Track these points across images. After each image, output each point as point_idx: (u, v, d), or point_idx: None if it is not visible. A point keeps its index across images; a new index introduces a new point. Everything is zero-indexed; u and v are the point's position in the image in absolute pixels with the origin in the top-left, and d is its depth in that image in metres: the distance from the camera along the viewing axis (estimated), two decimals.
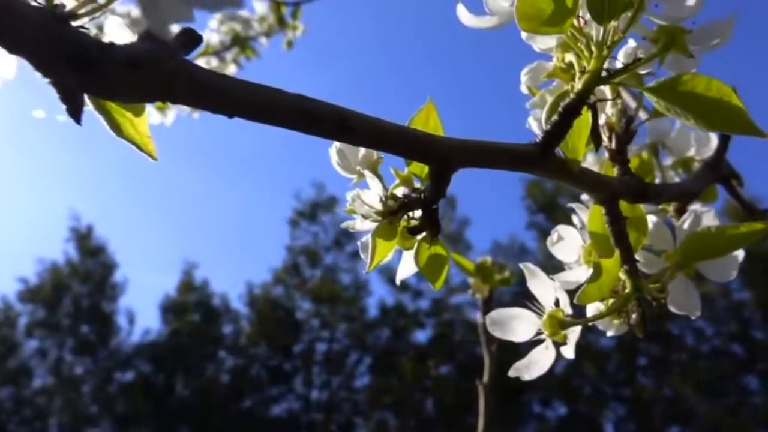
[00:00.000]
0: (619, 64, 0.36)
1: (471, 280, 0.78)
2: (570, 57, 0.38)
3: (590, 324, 0.40)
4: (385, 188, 0.36)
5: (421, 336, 11.27)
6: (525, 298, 0.40)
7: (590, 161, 0.52)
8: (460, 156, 0.33)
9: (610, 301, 0.39)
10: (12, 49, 0.23)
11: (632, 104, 0.45)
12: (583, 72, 0.35)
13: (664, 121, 0.51)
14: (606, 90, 0.40)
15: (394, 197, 0.36)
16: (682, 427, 10.09)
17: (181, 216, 16.73)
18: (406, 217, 0.36)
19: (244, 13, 1.65)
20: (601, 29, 0.34)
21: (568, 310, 0.39)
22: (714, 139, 0.52)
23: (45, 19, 0.23)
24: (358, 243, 0.38)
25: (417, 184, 0.37)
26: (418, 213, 0.36)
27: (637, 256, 0.39)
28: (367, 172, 0.36)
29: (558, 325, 0.38)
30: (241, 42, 1.61)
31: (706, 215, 0.42)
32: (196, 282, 11.75)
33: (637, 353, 10.22)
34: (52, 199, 15.68)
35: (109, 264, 11.54)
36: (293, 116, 0.28)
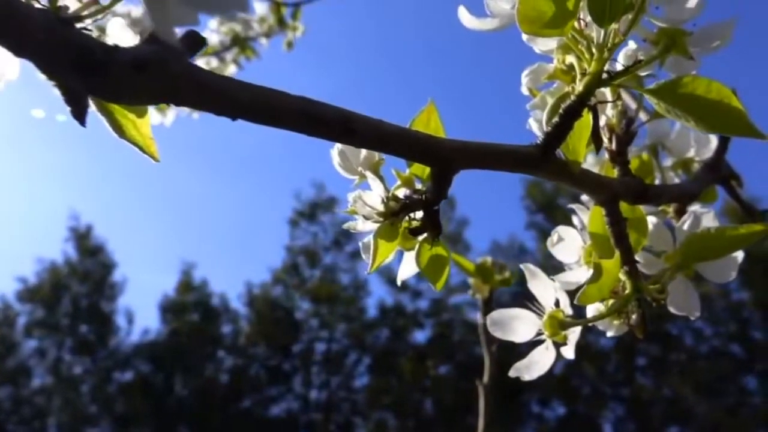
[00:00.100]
0: (619, 66, 0.36)
1: (471, 281, 0.78)
2: (571, 59, 0.38)
3: (590, 324, 0.40)
4: (387, 189, 0.37)
5: (420, 336, 11.29)
6: (525, 299, 0.40)
7: (590, 162, 0.52)
8: (462, 157, 0.33)
9: (610, 301, 0.39)
10: (17, 52, 0.23)
11: (632, 105, 0.45)
12: (583, 74, 0.35)
13: (664, 122, 0.51)
14: (606, 92, 0.40)
15: (395, 198, 0.36)
16: (681, 427, 10.10)
17: (181, 216, 16.73)
18: (407, 218, 0.36)
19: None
20: (602, 31, 0.34)
21: (569, 311, 0.39)
22: (714, 141, 0.53)
23: (50, 21, 0.23)
24: (360, 244, 0.39)
25: (418, 185, 0.38)
26: (419, 214, 0.36)
27: (637, 257, 0.39)
28: (368, 174, 0.36)
29: (558, 325, 0.38)
30: (241, 42, 1.61)
31: (705, 216, 0.42)
32: (195, 282, 11.76)
33: (636, 353, 10.23)
34: (52, 199, 15.68)
35: (108, 264, 11.55)
36: (297, 119, 0.28)
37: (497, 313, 0.41)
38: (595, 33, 0.34)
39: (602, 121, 0.42)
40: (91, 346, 11.13)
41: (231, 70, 1.62)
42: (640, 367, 10.42)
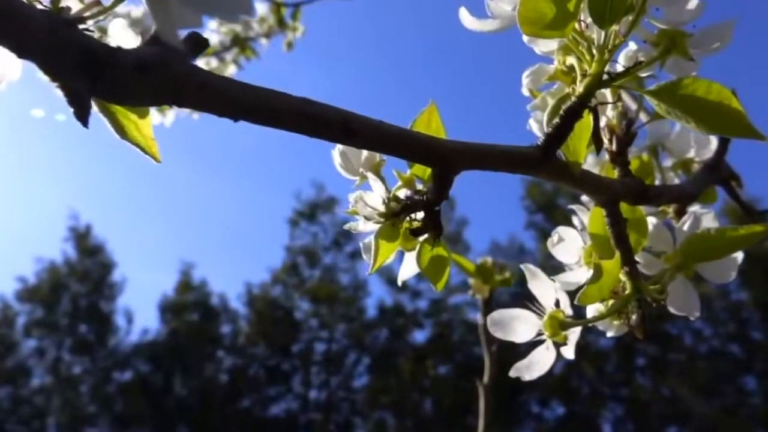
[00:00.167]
0: (620, 68, 0.36)
1: (471, 281, 0.78)
2: (571, 60, 0.38)
3: (590, 325, 0.40)
4: (388, 190, 0.37)
5: (420, 336, 11.29)
6: (524, 299, 0.40)
7: (590, 163, 0.52)
8: (463, 158, 0.33)
9: (611, 302, 0.39)
10: (21, 54, 0.23)
11: (633, 106, 0.45)
12: (584, 75, 0.35)
13: (664, 123, 0.51)
14: (607, 93, 0.40)
15: (396, 199, 0.36)
16: (679, 427, 10.10)
17: (180, 216, 16.73)
18: (408, 218, 0.36)
19: None
20: (603, 33, 0.34)
21: (569, 311, 0.39)
22: (713, 141, 0.53)
23: (53, 23, 0.24)
24: (361, 244, 0.39)
25: (419, 186, 0.38)
26: (420, 215, 0.36)
27: (637, 258, 0.39)
28: (369, 175, 0.37)
29: (558, 325, 0.39)
30: (240, 43, 1.61)
31: (705, 217, 0.42)
32: (195, 281, 11.76)
33: (636, 354, 10.23)
34: (51, 199, 15.68)
35: (107, 263, 11.54)
36: (298, 120, 0.28)
37: (497, 314, 0.41)
38: (596, 34, 0.35)
39: (602, 122, 0.42)
40: (90, 346, 11.13)
41: (231, 71, 1.62)
42: (639, 368, 10.42)
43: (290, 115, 0.28)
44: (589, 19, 0.34)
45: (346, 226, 0.38)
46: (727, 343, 10.13)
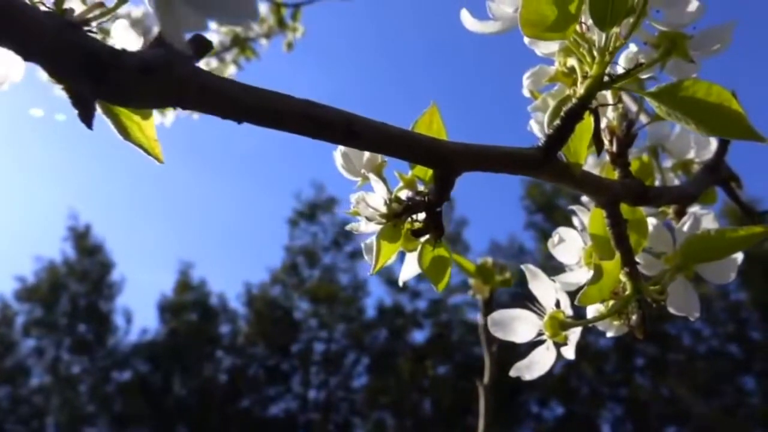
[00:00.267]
0: (620, 69, 0.36)
1: (471, 281, 0.78)
2: (572, 61, 0.38)
3: (590, 325, 0.40)
4: (390, 191, 0.37)
5: (419, 336, 11.29)
6: (524, 299, 0.40)
7: (590, 164, 0.52)
8: (464, 160, 0.34)
9: (611, 302, 0.40)
10: (26, 56, 0.24)
11: (633, 108, 0.45)
12: (585, 77, 0.35)
13: (665, 124, 0.52)
14: (608, 94, 0.40)
15: (398, 200, 0.36)
16: (678, 427, 10.11)
17: (180, 215, 16.73)
18: (409, 219, 0.37)
19: None
20: (604, 35, 0.34)
21: (569, 312, 0.39)
22: (713, 142, 0.53)
23: (58, 25, 0.24)
24: (362, 245, 0.39)
25: (420, 187, 0.38)
26: (421, 215, 0.36)
27: (637, 258, 0.40)
28: (371, 176, 0.37)
29: (559, 326, 0.39)
30: (241, 43, 1.61)
31: (705, 218, 0.42)
32: (194, 281, 11.76)
33: (635, 354, 10.24)
34: (50, 198, 15.68)
35: (106, 263, 11.54)
36: (301, 122, 0.28)
37: (498, 314, 0.41)
38: (597, 36, 0.35)
39: (603, 124, 0.43)
40: (89, 346, 11.13)
41: (231, 71, 1.62)
42: (639, 368, 10.43)
43: (293, 117, 0.28)
44: (590, 21, 0.34)
45: (348, 227, 0.38)
46: (726, 343, 10.13)
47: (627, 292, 0.39)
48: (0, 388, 10.62)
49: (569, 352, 0.39)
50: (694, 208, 0.49)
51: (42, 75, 0.26)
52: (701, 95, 0.33)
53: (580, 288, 0.39)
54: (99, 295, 11.39)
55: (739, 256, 0.41)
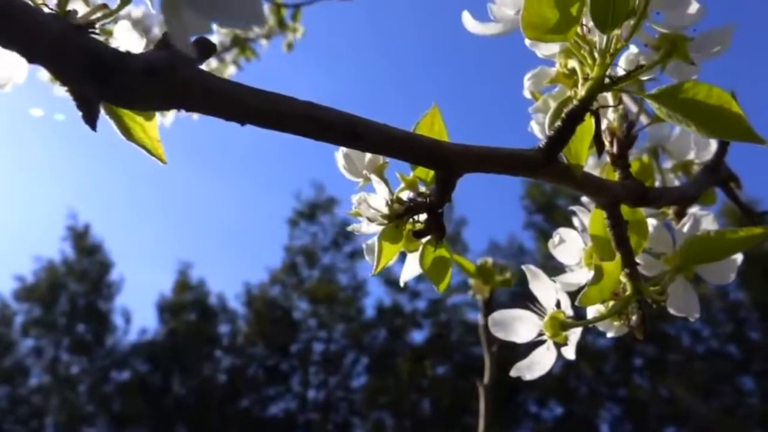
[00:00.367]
0: (621, 71, 0.36)
1: (471, 281, 0.78)
2: (573, 63, 0.38)
3: (590, 325, 0.41)
4: (391, 192, 0.37)
5: (418, 336, 11.29)
6: (523, 299, 0.40)
7: (590, 165, 0.52)
8: (466, 161, 0.34)
9: (611, 303, 0.40)
10: (31, 59, 0.24)
11: (633, 109, 0.46)
12: (586, 79, 0.35)
13: (665, 125, 0.52)
14: (608, 96, 0.40)
15: (399, 201, 0.37)
16: (677, 427, 10.11)
17: (179, 215, 16.73)
18: (411, 220, 0.37)
19: None
20: (604, 37, 0.34)
21: (569, 312, 0.39)
22: (713, 143, 0.53)
23: (64, 28, 0.24)
24: (364, 245, 0.39)
25: (422, 188, 0.38)
26: (422, 217, 0.37)
27: (637, 259, 0.40)
28: (373, 177, 0.37)
29: (559, 326, 0.39)
30: (241, 43, 1.61)
31: (705, 219, 0.43)
32: (193, 281, 11.76)
33: (633, 354, 10.24)
34: (49, 198, 15.68)
35: (105, 263, 11.53)
36: (304, 123, 0.28)
37: (499, 314, 0.41)
38: (598, 38, 0.35)
39: (603, 125, 0.43)
40: (88, 346, 11.12)
41: (231, 71, 1.62)
42: (637, 368, 10.43)
43: (296, 119, 0.28)
44: (591, 23, 0.34)
45: (350, 228, 0.38)
46: (725, 344, 10.14)
47: (627, 293, 0.39)
48: None
49: (569, 353, 0.40)
50: (694, 209, 0.49)
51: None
52: (701, 97, 0.33)
53: (581, 288, 0.39)
54: (98, 294, 11.39)
55: (739, 257, 0.41)
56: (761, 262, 8.87)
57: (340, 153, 0.39)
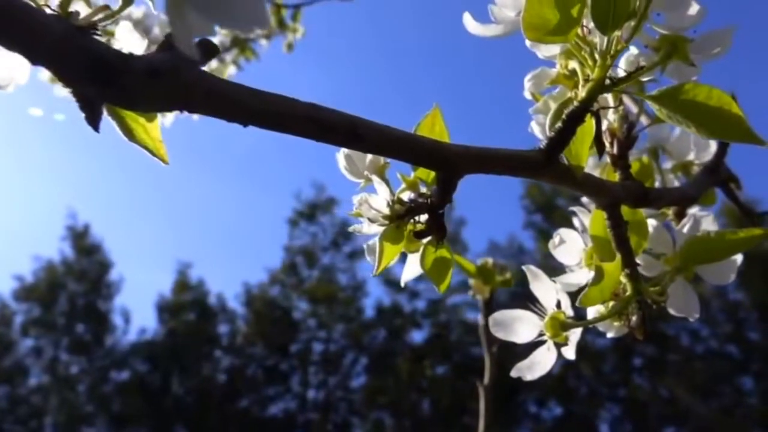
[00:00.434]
0: (621, 72, 0.37)
1: (471, 282, 0.78)
2: (573, 64, 0.38)
3: (590, 326, 0.41)
4: (392, 193, 0.37)
5: (418, 336, 11.30)
6: (523, 299, 0.40)
7: (591, 165, 0.52)
8: (467, 162, 0.34)
9: (611, 303, 0.40)
10: (34, 60, 0.24)
11: (634, 110, 0.46)
12: (586, 80, 0.35)
13: (665, 126, 0.52)
14: (609, 97, 0.40)
15: (400, 202, 0.37)
16: (677, 427, 10.12)
17: (178, 215, 16.72)
18: (412, 221, 0.37)
19: None
20: (605, 38, 0.35)
21: (570, 312, 0.40)
22: (713, 144, 0.53)
23: (66, 29, 0.24)
24: (365, 246, 0.39)
25: (423, 189, 0.38)
26: (423, 217, 0.37)
27: (637, 260, 0.40)
28: (374, 177, 0.37)
29: (560, 326, 0.39)
30: (240, 44, 1.61)
31: (705, 219, 0.43)
32: (192, 281, 11.76)
33: (633, 354, 10.24)
34: (49, 198, 15.68)
35: (104, 263, 11.53)
36: (305, 125, 0.28)
37: (499, 314, 0.41)
38: (598, 40, 0.35)
39: (604, 126, 0.43)
40: (87, 346, 11.12)
41: (231, 72, 1.62)
42: (637, 368, 10.43)
43: (297, 121, 0.28)
44: (592, 25, 0.34)
45: (351, 228, 0.38)
46: (724, 344, 10.15)
47: (627, 293, 0.39)
48: None
49: (570, 353, 0.40)
50: (694, 210, 0.49)
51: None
52: (702, 98, 0.34)
53: (581, 289, 0.39)
54: (97, 294, 11.39)
55: (739, 258, 0.41)
56: (761, 262, 8.87)
57: (341, 154, 0.39)
